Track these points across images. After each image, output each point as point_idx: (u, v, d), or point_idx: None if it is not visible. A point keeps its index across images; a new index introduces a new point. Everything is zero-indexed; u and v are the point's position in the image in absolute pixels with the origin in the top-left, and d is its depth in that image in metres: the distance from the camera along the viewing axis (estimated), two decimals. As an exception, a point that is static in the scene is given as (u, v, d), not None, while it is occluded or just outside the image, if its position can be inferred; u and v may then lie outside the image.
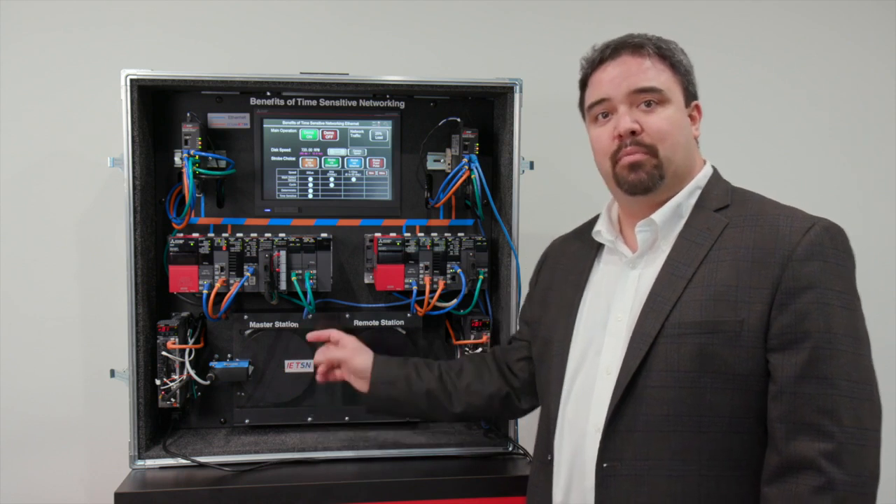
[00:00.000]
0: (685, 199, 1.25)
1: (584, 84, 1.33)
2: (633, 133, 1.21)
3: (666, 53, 1.24)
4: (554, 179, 2.14)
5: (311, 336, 1.59)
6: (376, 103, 1.84)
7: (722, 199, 1.23)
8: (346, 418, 1.81)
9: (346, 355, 1.54)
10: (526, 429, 1.79)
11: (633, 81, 1.22)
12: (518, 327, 1.63)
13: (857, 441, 1.07)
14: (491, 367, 1.54)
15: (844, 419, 1.07)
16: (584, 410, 1.24)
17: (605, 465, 1.19)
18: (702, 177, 1.27)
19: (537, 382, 1.43)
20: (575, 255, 1.41)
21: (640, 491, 1.16)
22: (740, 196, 1.25)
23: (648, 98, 1.22)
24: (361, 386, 1.53)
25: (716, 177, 1.29)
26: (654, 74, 1.23)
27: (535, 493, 1.36)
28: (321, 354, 1.57)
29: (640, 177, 1.22)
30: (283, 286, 1.72)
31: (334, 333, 1.57)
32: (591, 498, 1.21)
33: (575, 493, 1.25)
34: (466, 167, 1.73)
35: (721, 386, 1.13)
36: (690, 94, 1.27)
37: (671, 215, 1.24)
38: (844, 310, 1.11)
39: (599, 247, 1.36)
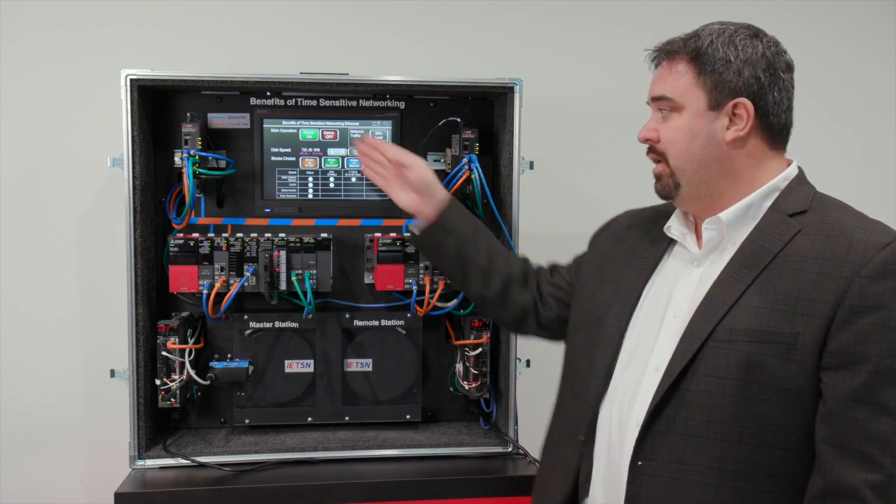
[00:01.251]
0: (759, 200, 1.19)
1: None
2: (649, 141, 1.23)
3: (700, 54, 1.19)
4: (554, 179, 2.14)
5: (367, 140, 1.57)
6: (376, 103, 1.84)
7: (800, 204, 1.16)
8: (346, 418, 1.81)
9: (411, 162, 1.52)
10: (526, 429, 1.79)
11: (651, 90, 1.24)
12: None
13: None
14: (531, 280, 1.53)
15: None
16: (628, 404, 1.21)
17: (639, 462, 1.17)
18: (782, 178, 1.20)
19: (572, 349, 1.40)
20: (645, 238, 1.36)
21: (671, 493, 1.13)
22: (822, 202, 1.18)
23: (662, 106, 1.22)
24: (411, 203, 1.52)
25: (799, 179, 1.21)
26: (670, 81, 1.20)
27: (556, 468, 1.32)
28: (391, 150, 1.55)
29: (658, 186, 1.25)
30: (283, 286, 1.72)
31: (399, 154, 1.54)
32: (623, 494, 1.19)
33: (610, 486, 1.23)
34: (466, 167, 1.73)
35: (767, 398, 1.08)
36: (725, 94, 1.18)
37: (740, 215, 1.19)
38: None
39: (672, 239, 1.32)
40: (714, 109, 1.18)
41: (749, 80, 1.17)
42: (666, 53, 1.22)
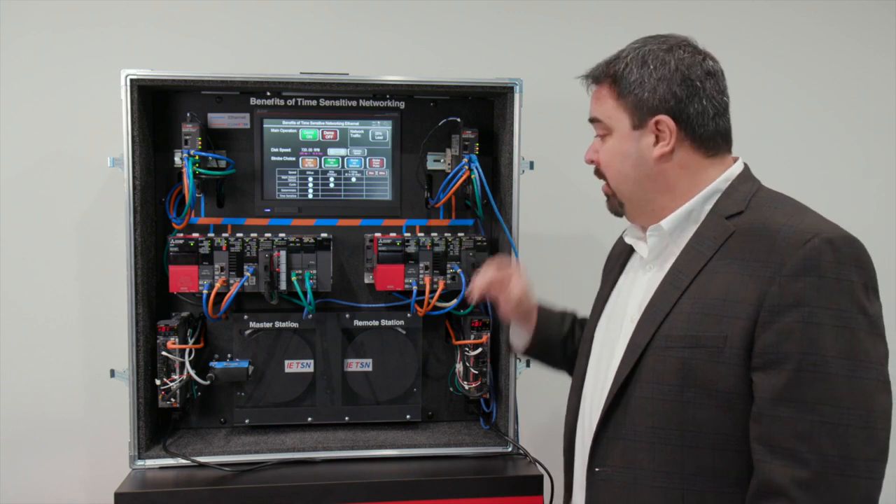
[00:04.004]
0: (700, 204, 1.19)
1: None
2: (593, 163, 1.29)
3: (617, 77, 1.21)
4: (554, 179, 2.14)
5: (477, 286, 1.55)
6: (376, 103, 1.84)
7: (737, 205, 1.17)
8: (346, 418, 1.81)
9: (510, 302, 1.53)
10: (526, 429, 1.79)
11: (589, 114, 1.29)
12: None
13: (840, 471, 1.00)
14: None
15: (825, 447, 1.00)
16: (597, 409, 1.24)
17: (596, 469, 1.20)
18: (722, 180, 1.20)
19: None
20: (617, 252, 1.43)
21: (626, 498, 1.16)
22: (759, 201, 1.17)
23: (597, 130, 1.27)
24: (513, 318, 1.57)
25: (741, 179, 1.21)
26: (598, 105, 1.25)
27: (565, 486, 1.39)
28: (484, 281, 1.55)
29: (607, 205, 1.31)
30: (283, 286, 1.72)
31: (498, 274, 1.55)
32: (583, 501, 1.23)
33: (581, 491, 1.26)
34: (466, 167, 1.73)
35: (705, 402, 1.10)
36: (645, 113, 1.19)
37: (682, 221, 1.20)
38: (842, 329, 1.02)
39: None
40: (638, 129, 1.20)
41: (665, 97, 1.18)
42: (592, 79, 1.27)
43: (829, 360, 1.02)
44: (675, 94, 1.18)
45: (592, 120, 1.27)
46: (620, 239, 1.47)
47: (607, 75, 1.23)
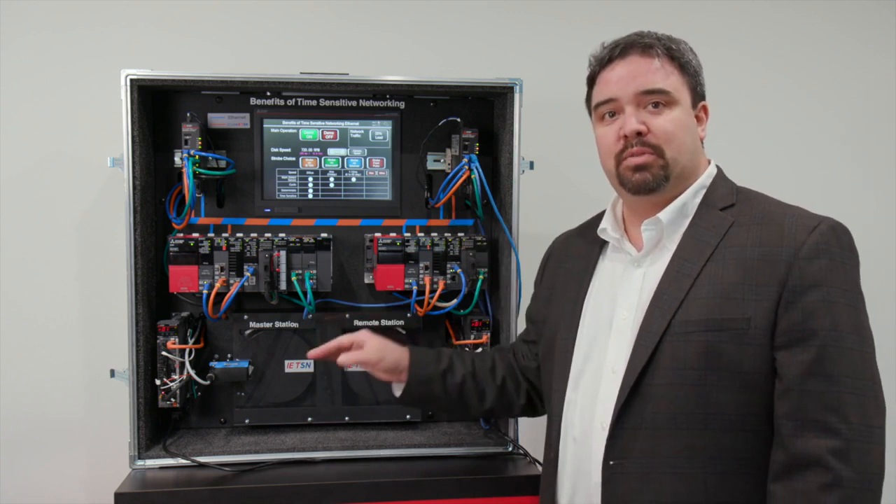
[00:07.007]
0: (690, 198, 1.25)
1: (591, 82, 1.33)
2: (639, 134, 1.22)
3: (675, 54, 1.24)
4: (554, 179, 2.14)
5: (314, 354, 1.48)
6: (376, 103, 1.84)
7: (727, 198, 1.24)
8: (346, 418, 1.81)
9: (372, 358, 1.46)
10: (526, 429, 1.79)
11: (641, 82, 1.23)
12: (524, 328, 1.60)
13: (864, 438, 1.08)
14: (514, 365, 1.55)
15: (851, 416, 1.08)
16: (589, 409, 1.25)
17: (611, 462, 1.19)
18: (706, 176, 1.27)
19: (543, 380, 1.43)
20: (579, 252, 1.42)
21: (646, 488, 1.17)
22: (745, 195, 1.26)
23: (656, 99, 1.22)
24: (391, 379, 1.48)
25: (720, 176, 1.29)
26: (662, 76, 1.23)
27: (543, 491, 1.38)
28: (345, 358, 1.47)
29: (646, 178, 1.23)
30: (283, 286, 1.72)
31: (345, 340, 1.48)
32: (598, 496, 1.21)
33: (581, 491, 1.26)
34: (466, 167, 1.73)
35: (727, 384, 1.14)
36: (698, 96, 1.27)
37: (677, 214, 1.25)
38: (850, 308, 1.12)
39: (604, 244, 1.37)
40: (693, 108, 1.26)
41: (703, 86, 1.29)
42: (643, 48, 1.24)
43: (845, 335, 1.11)
44: (704, 85, 1.29)
45: (653, 91, 1.21)
46: (570, 240, 1.48)
47: (665, 48, 1.24)
